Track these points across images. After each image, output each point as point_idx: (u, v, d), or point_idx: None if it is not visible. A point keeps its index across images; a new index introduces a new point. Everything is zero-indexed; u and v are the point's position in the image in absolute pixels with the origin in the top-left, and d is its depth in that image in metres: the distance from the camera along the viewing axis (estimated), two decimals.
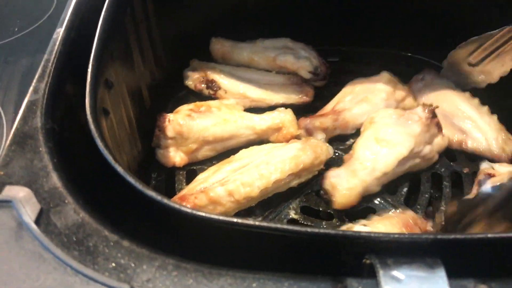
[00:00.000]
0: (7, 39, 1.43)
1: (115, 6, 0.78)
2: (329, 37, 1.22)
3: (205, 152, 1.00)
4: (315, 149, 0.91)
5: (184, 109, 1.00)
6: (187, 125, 0.96)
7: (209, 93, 1.13)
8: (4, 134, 1.17)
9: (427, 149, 0.95)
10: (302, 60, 1.14)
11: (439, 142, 0.99)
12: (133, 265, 0.50)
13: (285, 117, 1.00)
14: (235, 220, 0.54)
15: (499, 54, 1.03)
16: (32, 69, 1.37)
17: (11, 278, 0.49)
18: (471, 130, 1.03)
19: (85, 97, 0.65)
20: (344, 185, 0.87)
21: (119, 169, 0.57)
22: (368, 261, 0.53)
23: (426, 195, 0.97)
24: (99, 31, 0.74)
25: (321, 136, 0.99)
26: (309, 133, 1.00)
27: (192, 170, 1.01)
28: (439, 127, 0.99)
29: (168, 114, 0.98)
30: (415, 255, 0.51)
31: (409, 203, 0.96)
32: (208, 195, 0.81)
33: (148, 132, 0.99)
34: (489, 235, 0.53)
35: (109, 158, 0.59)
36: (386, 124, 0.94)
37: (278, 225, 0.52)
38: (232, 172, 0.87)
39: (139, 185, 0.55)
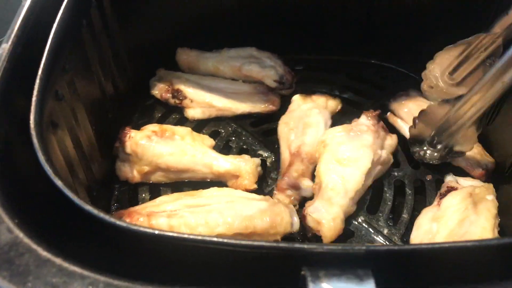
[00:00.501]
0: None
1: (67, 19, 0.78)
2: (294, 46, 1.22)
3: (158, 177, 0.99)
4: (275, 218, 0.84)
5: (148, 129, 1.00)
6: (143, 147, 0.96)
7: (175, 103, 1.13)
8: None
9: (383, 154, 0.97)
10: (268, 69, 1.14)
11: (390, 143, 1.00)
12: (64, 283, 0.50)
13: (245, 167, 0.95)
14: (169, 234, 0.54)
15: (477, 65, 1.02)
16: None
17: None
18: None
19: (30, 111, 0.65)
20: (327, 217, 0.86)
21: (58, 183, 0.57)
22: (302, 273, 0.53)
23: (389, 203, 0.98)
24: (49, 45, 0.73)
25: (307, 182, 0.95)
26: (296, 187, 0.94)
27: (156, 184, 1.01)
28: (385, 129, 1.01)
29: (131, 130, 0.98)
30: (348, 266, 0.52)
31: (372, 210, 0.97)
32: (150, 221, 0.79)
33: (112, 141, 0.99)
34: (423, 246, 0.53)
35: (49, 171, 0.58)
36: (339, 143, 0.95)
37: (213, 238, 0.52)
38: (186, 207, 0.84)
39: (76, 199, 0.55)
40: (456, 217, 0.85)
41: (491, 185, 0.93)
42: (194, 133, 1.03)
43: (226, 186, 0.97)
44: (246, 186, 0.95)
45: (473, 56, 1.01)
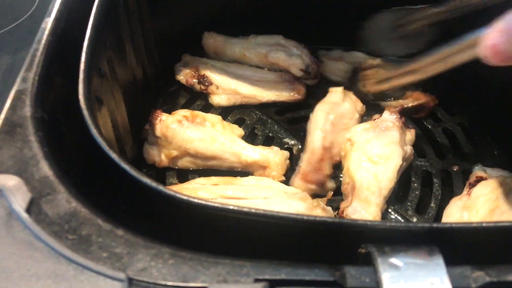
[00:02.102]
0: None
1: None
2: (320, 36, 1.21)
3: (185, 162, 0.98)
4: (323, 212, 0.83)
5: (180, 113, 0.99)
6: (174, 131, 0.95)
7: (201, 88, 1.13)
8: None
9: (408, 150, 0.96)
10: (294, 58, 1.13)
11: (409, 139, 1.00)
12: (128, 253, 0.49)
13: (274, 158, 0.94)
14: (231, 207, 0.53)
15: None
16: (14, 67, 1.36)
17: (2, 268, 0.48)
18: None
19: (78, 84, 0.64)
20: (368, 217, 0.85)
21: (113, 156, 0.56)
22: (363, 250, 0.53)
23: (417, 192, 0.98)
24: (92, 19, 0.73)
25: (331, 185, 0.95)
26: (321, 184, 0.94)
27: (183, 170, 1.00)
28: (406, 125, 1.01)
29: (162, 113, 0.97)
30: (412, 243, 0.51)
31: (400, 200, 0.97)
32: None
33: (139, 126, 0.98)
34: (484, 224, 0.53)
35: (103, 145, 0.57)
36: (368, 141, 0.94)
37: (275, 213, 0.52)
38: (222, 198, 0.83)
39: (133, 172, 0.54)
40: (487, 207, 0.86)
41: None
42: (225, 122, 1.02)
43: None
44: (274, 178, 0.94)
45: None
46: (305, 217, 0.53)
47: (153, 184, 0.54)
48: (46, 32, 0.71)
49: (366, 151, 0.92)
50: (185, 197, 0.53)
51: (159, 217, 0.59)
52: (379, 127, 0.97)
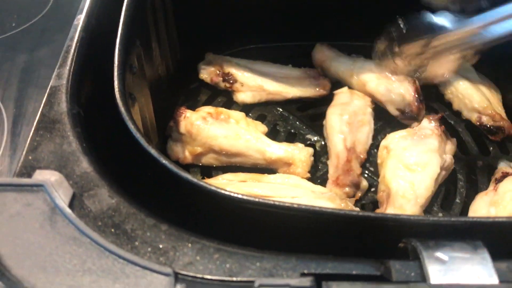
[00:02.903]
0: (2, 35, 1.42)
1: None
2: (327, 31, 1.20)
3: (209, 159, 0.98)
4: None
5: (204, 110, 0.99)
6: (198, 127, 0.95)
7: (225, 86, 1.13)
8: (5, 130, 1.16)
9: (447, 159, 0.94)
10: (394, 94, 1.05)
11: (450, 148, 0.98)
12: (173, 248, 0.50)
13: (299, 155, 0.94)
14: (271, 202, 0.53)
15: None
16: (31, 65, 1.36)
17: (49, 263, 0.48)
18: None
19: (112, 80, 0.64)
20: None
21: (153, 151, 0.56)
22: (403, 245, 0.52)
23: (442, 188, 0.97)
24: (123, 16, 0.73)
25: (365, 183, 0.94)
26: (357, 185, 0.92)
27: (207, 166, 1.00)
28: (446, 134, 0.99)
29: (187, 110, 0.97)
30: (455, 237, 0.51)
31: None
32: None
33: (162, 123, 0.99)
34: None
35: (142, 140, 0.58)
36: (405, 148, 0.92)
37: (317, 208, 0.52)
38: (251, 196, 0.82)
39: (173, 167, 0.55)
40: None
41: None
42: (248, 118, 1.02)
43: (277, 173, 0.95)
44: (299, 175, 0.93)
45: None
46: (347, 212, 0.53)
47: (194, 179, 0.54)
48: (79, 28, 0.71)
49: (403, 159, 0.90)
50: (226, 193, 0.53)
51: (202, 212, 0.59)
52: (417, 135, 0.94)
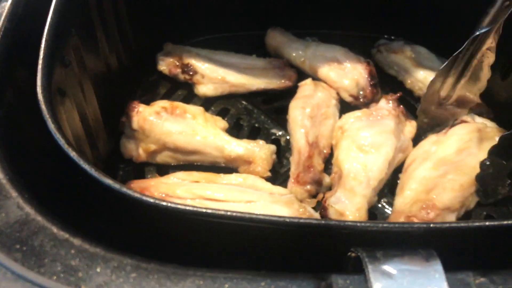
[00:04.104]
0: None
1: None
2: (308, 20, 1.15)
3: (165, 157, 0.91)
4: None
5: (158, 104, 0.92)
6: (151, 123, 0.88)
7: (185, 78, 1.06)
8: None
9: (405, 141, 0.90)
10: (347, 80, 1.00)
11: (409, 130, 0.94)
12: (85, 266, 0.43)
13: (259, 153, 0.87)
14: (204, 210, 0.47)
15: (470, 74, 0.89)
16: None
17: None
18: None
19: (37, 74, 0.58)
20: (351, 209, 0.79)
21: (72, 154, 0.50)
22: (354, 255, 0.47)
23: None
24: (54, 3, 0.66)
25: (327, 179, 0.88)
26: (319, 182, 0.87)
27: (164, 165, 0.94)
28: (405, 114, 0.95)
29: (139, 105, 0.91)
30: (407, 246, 0.46)
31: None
32: None
33: (115, 119, 0.92)
34: (488, 223, 0.47)
35: (61, 141, 0.51)
36: (360, 128, 0.88)
37: (253, 215, 0.46)
38: (201, 199, 0.76)
39: (93, 172, 0.48)
40: (456, 145, 0.83)
41: (503, 130, 0.88)
42: (207, 113, 0.95)
43: (237, 171, 0.90)
44: (259, 174, 0.87)
45: (462, 64, 0.89)
46: (287, 219, 0.47)
47: (116, 185, 0.48)
48: (2, 18, 0.64)
49: (358, 139, 0.87)
50: (151, 200, 0.47)
51: (123, 223, 0.53)
52: (373, 115, 0.91)
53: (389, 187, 0.91)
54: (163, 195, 0.77)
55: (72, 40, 0.70)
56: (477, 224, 0.47)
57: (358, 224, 0.46)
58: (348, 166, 0.84)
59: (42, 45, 0.61)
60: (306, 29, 1.15)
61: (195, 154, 0.90)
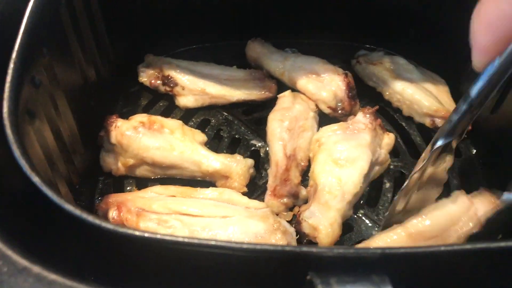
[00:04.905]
0: None
1: None
2: (288, 28, 1.16)
3: (144, 171, 0.92)
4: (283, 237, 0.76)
5: (136, 119, 0.93)
6: (129, 138, 0.89)
7: (166, 90, 1.07)
8: None
9: (381, 154, 0.91)
10: (325, 92, 1.00)
11: (387, 142, 0.95)
12: None
13: (236, 168, 0.88)
14: (165, 237, 0.48)
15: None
16: None
17: None
18: None
19: (3, 99, 0.58)
20: (324, 223, 0.79)
21: (35, 179, 0.51)
22: (309, 278, 0.48)
23: (389, 195, 0.94)
24: (25, 24, 0.66)
25: (304, 192, 0.89)
26: (295, 196, 0.88)
27: (144, 178, 0.94)
28: (382, 128, 0.95)
29: (118, 119, 0.91)
30: (361, 272, 0.47)
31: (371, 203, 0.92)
32: (138, 223, 0.74)
33: (95, 131, 0.93)
34: (442, 248, 0.48)
35: (25, 166, 0.52)
36: (336, 142, 0.89)
37: (215, 242, 0.47)
38: (178, 214, 0.77)
39: (54, 197, 0.49)
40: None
41: None
42: (186, 127, 0.96)
43: (215, 185, 0.90)
44: (236, 189, 0.88)
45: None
46: (244, 245, 0.48)
47: (77, 211, 0.49)
48: None
49: (334, 153, 0.87)
50: (111, 226, 0.48)
51: (85, 251, 0.53)
52: (349, 129, 0.92)
53: (365, 199, 0.92)
54: (140, 210, 0.78)
55: (43, 59, 0.70)
56: (432, 249, 0.48)
57: (313, 250, 0.47)
58: (323, 180, 0.84)
59: (10, 69, 0.61)
60: (287, 39, 1.16)
61: (173, 168, 0.91)
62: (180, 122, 0.95)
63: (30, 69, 0.66)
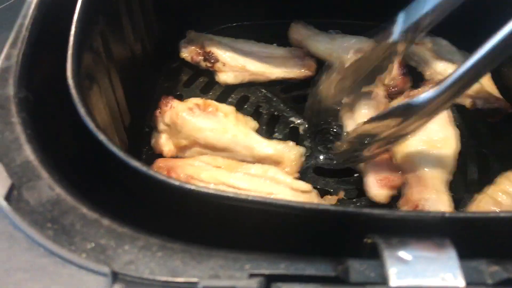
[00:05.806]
0: None
1: None
2: (319, 9, 1.15)
3: (195, 153, 0.92)
4: None
5: (191, 101, 0.93)
6: (184, 119, 0.89)
7: (206, 66, 1.08)
8: None
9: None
10: None
11: None
12: (113, 245, 0.46)
13: (289, 154, 0.88)
14: (226, 194, 0.49)
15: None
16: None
17: None
18: None
19: (67, 60, 0.60)
20: (448, 210, 0.75)
21: (101, 137, 0.52)
22: (369, 241, 0.48)
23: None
24: None
25: None
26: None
27: None
28: None
29: (173, 100, 0.92)
30: (422, 234, 0.47)
31: None
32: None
33: (138, 104, 0.94)
34: (502, 215, 0.48)
35: (91, 125, 0.53)
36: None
37: (273, 201, 0.48)
38: (224, 185, 0.79)
39: (122, 155, 0.51)
40: None
41: None
42: (239, 113, 0.96)
43: None
44: (288, 172, 0.87)
45: None
46: (306, 206, 0.49)
47: (143, 168, 0.50)
48: (32, 6, 0.66)
49: (426, 135, 0.85)
50: (177, 183, 0.49)
51: (149, 205, 0.55)
52: None
53: None
54: (188, 177, 0.80)
55: (99, 28, 0.72)
56: (491, 215, 0.48)
57: (375, 212, 0.48)
58: (423, 164, 0.82)
59: (72, 32, 0.63)
60: (327, 19, 1.15)
61: (225, 151, 0.91)
62: (233, 107, 0.96)
63: (89, 34, 0.67)
